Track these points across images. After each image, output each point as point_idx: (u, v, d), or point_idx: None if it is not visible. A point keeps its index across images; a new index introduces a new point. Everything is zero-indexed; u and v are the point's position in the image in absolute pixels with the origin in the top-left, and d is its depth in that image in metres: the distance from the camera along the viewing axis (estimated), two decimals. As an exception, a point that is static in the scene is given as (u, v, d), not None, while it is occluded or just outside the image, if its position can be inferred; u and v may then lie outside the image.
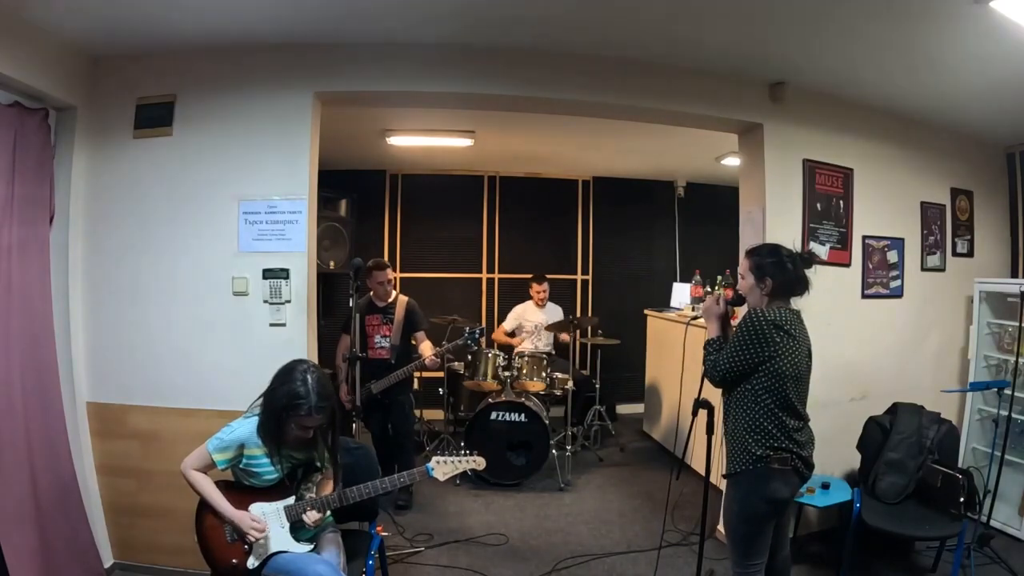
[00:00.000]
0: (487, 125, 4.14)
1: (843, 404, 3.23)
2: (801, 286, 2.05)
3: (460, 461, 2.18)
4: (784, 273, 2.02)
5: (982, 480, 2.96)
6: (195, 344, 2.71)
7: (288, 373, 1.98)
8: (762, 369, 1.94)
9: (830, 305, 3.15)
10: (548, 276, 5.17)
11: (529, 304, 5.12)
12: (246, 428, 2.01)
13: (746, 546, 2.02)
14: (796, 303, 2.09)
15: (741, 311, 2.17)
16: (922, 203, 3.64)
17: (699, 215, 6.05)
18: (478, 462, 2.21)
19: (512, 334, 5.12)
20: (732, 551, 2.06)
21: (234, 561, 1.98)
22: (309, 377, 1.96)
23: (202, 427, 2.30)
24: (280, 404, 1.93)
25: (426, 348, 3.73)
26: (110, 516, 2.75)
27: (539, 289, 5.02)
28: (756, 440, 1.95)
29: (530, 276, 5.18)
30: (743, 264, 2.12)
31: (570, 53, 2.84)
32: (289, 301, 2.71)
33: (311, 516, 2.02)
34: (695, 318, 2.85)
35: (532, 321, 5.03)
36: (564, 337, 4.83)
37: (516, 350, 4.71)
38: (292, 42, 2.67)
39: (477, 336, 3.76)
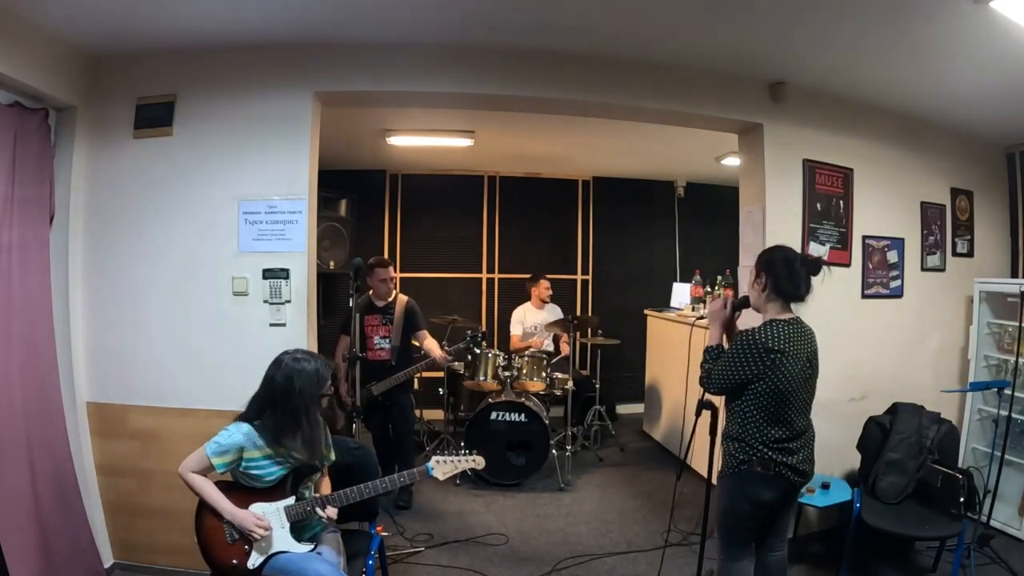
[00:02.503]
0: (487, 125, 4.14)
1: (843, 404, 3.23)
2: (793, 287, 2.00)
3: (460, 461, 2.19)
4: (776, 273, 2.01)
5: (982, 480, 2.96)
6: (195, 344, 2.71)
7: (284, 366, 2.02)
8: (751, 388, 1.98)
9: (830, 305, 3.13)
10: (548, 276, 5.15)
11: (527, 306, 5.10)
12: (244, 431, 2.01)
13: (728, 539, 2.14)
14: (796, 308, 2.05)
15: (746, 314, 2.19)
16: (922, 203, 3.63)
17: (699, 215, 6.06)
18: (477, 461, 2.22)
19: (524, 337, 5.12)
20: (717, 541, 2.18)
21: (234, 561, 1.98)
22: (300, 356, 2.05)
23: (202, 427, 2.31)
24: (307, 390, 1.99)
25: (433, 346, 3.71)
26: (110, 516, 2.75)
27: (547, 286, 5.02)
28: (740, 448, 2.03)
29: (529, 276, 5.18)
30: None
31: (570, 53, 2.84)
32: (289, 301, 2.71)
33: (330, 511, 2.04)
34: (700, 317, 2.84)
35: (532, 322, 5.01)
36: (564, 348, 4.82)
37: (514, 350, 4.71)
38: (292, 42, 2.67)
39: (479, 339, 3.76)
